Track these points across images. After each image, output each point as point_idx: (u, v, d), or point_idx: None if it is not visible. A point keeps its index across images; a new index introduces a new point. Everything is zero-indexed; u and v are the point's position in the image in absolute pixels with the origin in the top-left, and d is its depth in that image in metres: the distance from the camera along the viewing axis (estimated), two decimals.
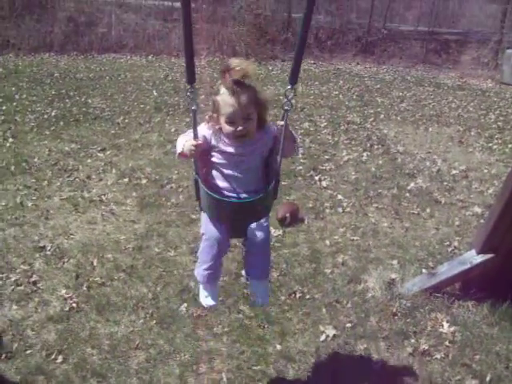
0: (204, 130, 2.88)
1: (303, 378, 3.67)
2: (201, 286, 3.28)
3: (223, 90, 2.76)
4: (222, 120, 2.79)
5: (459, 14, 20.78)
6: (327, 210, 6.16)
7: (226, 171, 2.91)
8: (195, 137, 2.76)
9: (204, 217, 3.05)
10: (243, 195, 2.92)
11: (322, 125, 9.65)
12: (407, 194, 6.77)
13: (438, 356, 3.92)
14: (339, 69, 15.81)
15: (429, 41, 17.96)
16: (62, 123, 9.01)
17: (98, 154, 7.66)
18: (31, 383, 3.48)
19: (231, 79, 2.70)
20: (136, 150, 7.93)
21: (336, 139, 8.83)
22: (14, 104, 10.02)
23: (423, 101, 12.29)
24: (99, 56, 15.95)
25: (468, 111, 11.56)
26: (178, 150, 2.84)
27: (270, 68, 15.33)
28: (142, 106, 10.45)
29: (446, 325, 4.20)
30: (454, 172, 7.67)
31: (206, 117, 2.89)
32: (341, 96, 12.19)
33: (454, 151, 8.70)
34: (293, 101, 2.74)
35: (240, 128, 2.77)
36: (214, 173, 2.94)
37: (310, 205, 6.28)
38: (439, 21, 18.68)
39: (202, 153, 2.86)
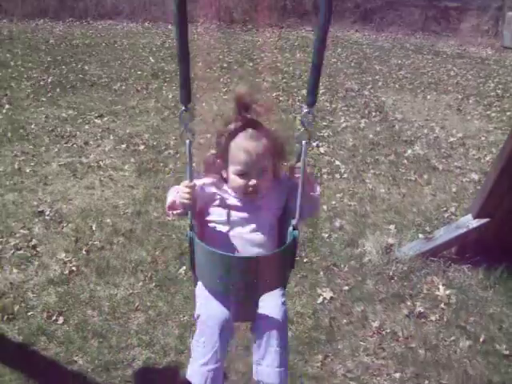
0: (203, 179, 2.37)
1: (301, 338, 3.72)
2: None
3: (238, 132, 2.27)
4: (231, 170, 2.29)
5: None
6: (325, 176, 6.18)
7: (231, 231, 2.35)
8: (191, 177, 2.16)
9: (200, 292, 2.36)
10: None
11: (320, 92, 9.60)
12: (405, 161, 6.78)
13: (433, 318, 3.98)
14: (337, 36, 15.64)
15: (428, 8, 17.74)
16: (58, 90, 8.96)
17: (96, 121, 7.64)
18: (33, 343, 3.53)
19: (251, 120, 2.27)
20: (133, 116, 7.91)
21: (334, 106, 8.81)
22: (10, 70, 9.94)
23: (422, 69, 12.21)
24: (95, 22, 15.75)
25: (467, 79, 11.50)
26: (169, 200, 2.28)
27: (268, 35, 15.18)
28: (139, 72, 10.38)
29: (441, 288, 4.25)
30: (451, 139, 7.67)
31: (207, 159, 2.40)
32: (339, 63, 12.10)
33: (452, 119, 8.69)
34: (312, 128, 2.11)
35: (253, 182, 2.26)
36: (215, 233, 2.36)
37: (308, 170, 6.28)
38: None
39: (200, 210, 2.36)
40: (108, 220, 5.01)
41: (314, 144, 1.62)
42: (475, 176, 6.43)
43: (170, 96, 8.84)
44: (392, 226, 5.15)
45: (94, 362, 3.42)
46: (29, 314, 3.79)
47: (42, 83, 9.31)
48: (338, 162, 6.55)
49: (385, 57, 13.21)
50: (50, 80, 9.48)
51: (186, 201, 2.16)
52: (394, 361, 3.60)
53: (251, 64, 11.55)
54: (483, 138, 7.81)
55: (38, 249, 4.54)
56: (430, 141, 7.56)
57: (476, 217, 4.47)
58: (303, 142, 2.09)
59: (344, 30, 16.70)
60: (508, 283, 4.37)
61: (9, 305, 3.84)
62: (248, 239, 2.33)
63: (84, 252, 4.51)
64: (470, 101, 9.77)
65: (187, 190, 2.15)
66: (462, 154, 7.16)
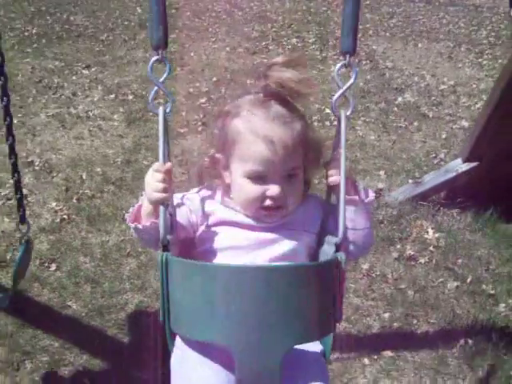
0: (193, 196, 1.62)
1: None
2: None
3: (252, 107, 1.52)
4: (239, 171, 1.52)
5: None
6: (315, 124, 6.15)
7: (236, 261, 1.52)
8: (164, 158, 1.47)
9: (179, 359, 1.56)
10: None
11: (310, 40, 9.51)
12: (395, 109, 6.77)
13: (423, 261, 4.03)
14: None
15: None
16: (44, 41, 8.81)
17: (83, 71, 7.55)
18: (26, 290, 3.56)
19: (277, 94, 1.51)
20: (121, 66, 7.81)
21: (324, 55, 8.73)
22: None
23: (413, 17, 12.05)
24: None
25: (459, 27, 11.36)
26: (133, 207, 1.56)
27: None
28: (126, 23, 10.21)
29: (430, 231, 4.30)
30: (442, 87, 7.63)
31: (202, 164, 1.67)
32: (329, 12, 11.90)
33: (443, 67, 8.62)
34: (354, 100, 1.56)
35: (275, 191, 1.48)
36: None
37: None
38: None
39: (183, 241, 1.57)
40: (98, 169, 5.00)
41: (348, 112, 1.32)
42: (465, 123, 6.42)
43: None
44: (382, 172, 5.17)
45: (87, 306, 3.46)
46: None
47: (26, 34, 9.15)
48: (327, 110, 6.51)
49: (376, 4, 13.00)
50: (34, 31, 9.32)
51: (158, 194, 1.40)
52: (383, 302, 3.66)
53: (240, 13, 11.36)
54: (474, 86, 7.76)
55: (28, 198, 4.53)
56: (420, 89, 7.52)
57: (465, 161, 4.48)
58: (342, 113, 1.49)
59: None
60: (496, 226, 4.42)
61: (1, 253, 3.87)
62: None
63: (75, 201, 4.51)
64: (462, 49, 9.67)
65: (160, 175, 1.42)
66: (453, 102, 7.14)
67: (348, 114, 1.48)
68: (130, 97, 6.67)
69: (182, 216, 1.54)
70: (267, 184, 1.48)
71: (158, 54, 1.46)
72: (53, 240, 4.03)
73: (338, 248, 1.46)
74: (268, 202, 1.49)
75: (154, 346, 2.81)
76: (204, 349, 1.46)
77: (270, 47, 9.01)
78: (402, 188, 4.75)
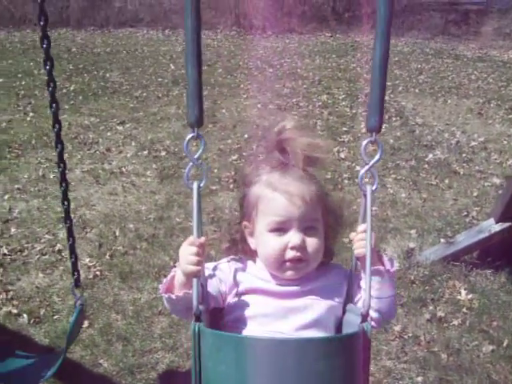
0: (222, 267, 1.67)
1: None
2: None
3: (268, 172, 1.61)
4: (263, 227, 1.57)
5: None
6: (346, 181, 6.20)
7: (263, 329, 1.55)
8: (198, 232, 1.48)
9: None
10: None
11: (340, 97, 9.64)
12: (425, 166, 6.77)
13: (456, 322, 3.96)
14: (357, 41, 15.65)
15: (448, 12, 17.68)
16: (80, 97, 9.10)
17: (118, 127, 7.75)
18: (59, 346, 3.59)
19: (300, 148, 1.57)
20: (155, 123, 8.01)
21: (354, 111, 8.83)
22: (33, 79, 10.11)
23: (442, 73, 12.17)
24: (116, 30, 15.98)
25: (488, 83, 11.42)
26: (166, 278, 1.62)
27: (287, 41, 15.25)
28: (159, 79, 10.50)
29: (463, 292, 4.24)
30: (472, 143, 7.63)
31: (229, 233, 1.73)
32: (358, 69, 12.10)
33: (473, 123, 8.64)
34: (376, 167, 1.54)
35: (297, 241, 1.53)
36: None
37: (329, 176, 6.31)
38: None
39: (212, 311, 1.60)
40: (131, 225, 5.08)
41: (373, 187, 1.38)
42: (497, 180, 6.39)
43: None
44: (413, 231, 5.14)
45: (118, 364, 3.47)
46: (54, 317, 3.86)
47: (64, 91, 9.44)
48: (358, 168, 6.56)
49: (405, 61, 13.19)
50: (72, 88, 9.64)
51: (192, 267, 1.44)
52: (416, 365, 3.60)
53: (271, 70, 11.61)
54: (505, 142, 7.75)
55: (62, 254, 4.61)
56: (450, 145, 7.53)
57: (498, 221, 4.45)
58: (367, 188, 1.50)
59: (363, 35, 16.68)
60: None
61: (35, 309, 3.92)
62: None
63: (108, 257, 4.57)
64: (492, 105, 9.70)
65: (193, 249, 1.45)
66: (484, 158, 7.13)
67: (373, 188, 1.51)
68: (163, 153, 6.81)
69: (212, 286, 1.59)
70: (288, 235, 1.53)
71: (193, 132, 1.49)
72: (85, 296, 4.06)
73: (363, 318, 1.47)
74: (290, 254, 1.53)
75: None
76: None
77: (301, 104, 9.15)
78: (434, 248, 4.71)
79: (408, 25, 17.40)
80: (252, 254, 1.66)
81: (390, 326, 3.89)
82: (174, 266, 1.57)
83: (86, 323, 3.78)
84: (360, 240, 1.53)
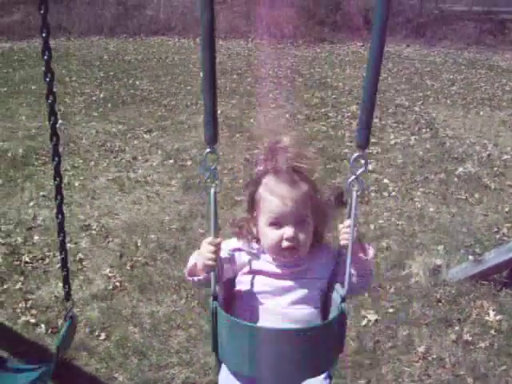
0: (232, 243, 2.03)
1: (344, 362, 3.63)
2: None
3: (269, 176, 1.93)
4: (263, 222, 1.93)
5: None
6: (373, 194, 6.08)
7: (264, 302, 1.95)
8: (215, 233, 1.80)
9: (224, 379, 2.04)
10: None
11: None
12: (455, 179, 6.61)
13: (483, 345, 3.81)
14: (388, 51, 15.47)
15: (483, 21, 17.39)
16: (109, 105, 9.16)
17: (144, 136, 7.76)
18: (75, 358, 3.55)
19: (287, 157, 1.89)
20: (182, 131, 7.99)
21: (384, 122, 8.69)
22: (64, 86, 10.21)
23: (475, 84, 11.95)
24: (147, 38, 16.11)
25: None
26: (191, 262, 1.94)
27: (318, 50, 15.19)
28: (188, 87, 10.52)
29: (491, 313, 4.08)
30: (505, 157, 7.44)
31: (236, 220, 2.07)
32: (389, 79, 11.97)
33: (506, 136, 8.43)
34: (365, 181, 1.79)
35: (289, 233, 1.87)
36: (244, 307, 1.98)
37: (355, 188, 6.20)
38: (495, 0, 17.98)
39: (226, 282, 2.02)
40: (153, 235, 5.04)
41: (358, 192, 1.58)
42: None
43: (219, 111, 8.89)
44: (440, 247, 5.00)
45: (133, 379, 3.41)
46: None
47: (94, 98, 9.54)
48: (386, 180, 6.44)
49: (436, 72, 13.00)
50: (101, 95, 9.71)
51: (209, 262, 1.79)
52: None
53: (301, 79, 11.55)
54: None
55: (83, 263, 4.60)
56: (482, 159, 7.35)
57: None
58: (353, 192, 1.73)
59: (395, 44, 16.53)
60: None
61: (53, 318, 3.90)
62: (285, 313, 1.92)
63: (128, 267, 4.54)
64: None
65: (211, 248, 1.78)
66: None
67: (358, 193, 1.74)
68: (189, 162, 6.77)
69: (227, 262, 1.98)
70: (283, 229, 1.89)
71: (210, 148, 1.67)
72: (104, 308, 4.04)
73: (342, 299, 1.82)
74: (285, 243, 1.89)
75: None
76: (237, 376, 1.99)
77: (330, 114, 9.06)
78: (462, 265, 4.56)
79: (441, 34, 17.18)
80: (255, 240, 2.02)
81: (413, 346, 3.77)
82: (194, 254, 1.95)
83: (102, 335, 3.75)
84: (344, 233, 1.81)
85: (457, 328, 3.96)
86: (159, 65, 12.64)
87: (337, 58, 14.08)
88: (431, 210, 5.79)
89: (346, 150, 7.29)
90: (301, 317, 1.93)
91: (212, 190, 1.74)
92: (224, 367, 2.04)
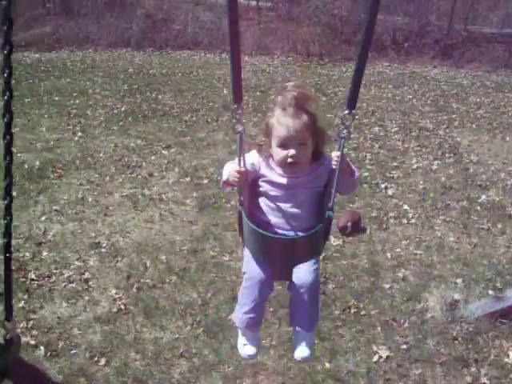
0: (253, 156, 2.60)
1: None
2: (239, 332, 2.81)
3: (278, 110, 2.48)
4: (274, 143, 2.50)
5: None
6: (391, 221, 5.90)
7: (275, 204, 2.59)
8: (240, 163, 2.42)
9: (247, 254, 2.68)
10: (293, 232, 2.57)
11: (393, 130, 9.32)
12: (478, 207, 6.40)
13: None
14: (415, 72, 15.29)
15: None
16: (130, 119, 9.10)
17: (163, 152, 7.67)
18: None
19: (291, 96, 2.46)
20: (201, 148, 7.89)
21: (406, 146, 8.49)
22: (87, 98, 10.22)
23: (502, 108, 11.68)
24: (174, 52, 16.10)
25: None
26: (224, 177, 2.54)
27: (344, 69, 15.03)
28: (211, 104, 10.43)
29: (511, 354, 3.89)
30: None
31: (257, 141, 2.61)
32: (414, 100, 11.77)
33: None
34: (351, 129, 2.34)
35: (292, 152, 2.45)
36: (263, 206, 2.63)
37: (374, 214, 6.04)
38: None
39: (250, 183, 2.58)
40: (163, 257, 4.94)
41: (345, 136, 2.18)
42: None
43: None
44: (459, 280, 4.81)
45: None
46: (72, 352, 3.73)
47: (115, 111, 9.50)
48: (406, 206, 6.26)
49: (463, 94, 12.76)
50: (123, 109, 9.67)
51: (236, 181, 2.41)
52: None
53: (324, 98, 11.41)
54: None
55: (90, 283, 4.52)
56: (506, 186, 7.13)
57: None
58: (342, 136, 2.31)
59: (422, 65, 16.32)
60: None
61: (54, 340, 3.80)
62: (289, 213, 2.56)
63: (135, 289, 4.44)
64: None
65: (237, 175, 2.39)
66: None
67: (345, 137, 2.31)
68: (205, 181, 6.67)
69: (250, 166, 2.50)
70: (288, 150, 2.43)
71: (237, 105, 2.30)
72: (106, 331, 3.94)
73: (330, 208, 2.46)
74: (290, 160, 2.44)
75: None
76: (255, 257, 2.57)
77: (352, 135, 8.86)
78: (481, 301, 4.37)
79: (469, 56, 16.91)
80: (269, 155, 2.54)
81: None
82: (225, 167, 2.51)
83: (102, 361, 3.64)
84: (335, 160, 2.39)
85: (473, 369, 3.78)
86: (183, 79, 12.59)
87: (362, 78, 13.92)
88: (451, 239, 5.60)
89: (366, 174, 7.13)
90: (302, 216, 2.55)
91: (238, 133, 2.33)
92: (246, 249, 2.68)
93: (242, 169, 2.39)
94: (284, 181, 2.54)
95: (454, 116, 10.58)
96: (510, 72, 16.32)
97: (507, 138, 9.36)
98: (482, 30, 18.05)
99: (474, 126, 10.02)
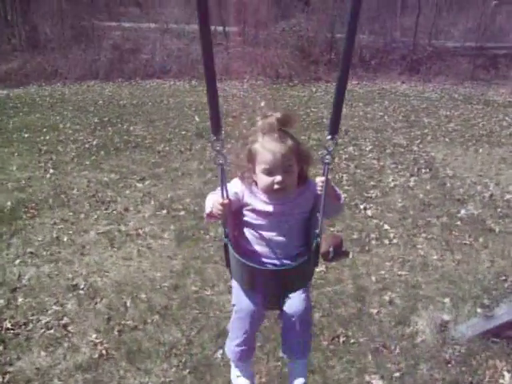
0: (235, 184, 2.58)
1: None
2: (232, 364, 2.83)
3: (261, 136, 2.47)
4: (259, 170, 2.48)
5: (507, 28, 20.09)
6: (373, 242, 5.84)
7: (262, 233, 2.57)
8: (223, 195, 2.40)
9: (235, 285, 2.66)
10: (281, 261, 2.56)
11: (367, 148, 9.32)
12: (458, 223, 6.38)
13: None
14: (384, 88, 15.44)
15: (476, 56, 17.40)
16: (102, 152, 8.96)
17: (137, 185, 7.53)
18: None
19: (274, 122, 2.44)
20: (175, 179, 7.77)
21: (382, 164, 8.49)
22: (57, 133, 10.06)
23: (472, 120, 11.81)
24: (143, 82, 16.03)
25: None
26: (207, 210, 2.53)
27: (314, 90, 15.09)
28: (183, 132, 10.34)
29: (507, 375, 3.81)
30: (508, 197, 7.23)
31: (239, 171, 2.58)
32: (386, 117, 11.83)
33: (508, 174, 8.23)
34: (334, 153, 2.37)
35: (279, 179, 2.43)
36: (249, 236, 2.61)
37: (355, 236, 5.97)
38: (487, 36, 18.03)
39: (234, 213, 2.55)
40: (143, 295, 4.78)
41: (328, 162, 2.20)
42: None
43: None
44: (447, 299, 4.74)
45: None
46: None
47: (87, 146, 9.35)
48: (386, 226, 6.20)
49: (433, 108, 12.88)
50: (95, 142, 9.52)
51: (220, 215, 2.42)
52: None
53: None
54: None
55: (68, 328, 4.33)
56: (484, 199, 7.14)
57: None
58: (326, 161, 2.37)
59: (390, 81, 16.49)
60: None
61: None
62: (274, 242, 2.57)
63: (116, 332, 4.27)
64: None
65: (220, 207, 2.40)
66: None
67: (328, 163, 2.37)
68: (182, 212, 6.54)
69: (234, 197, 2.52)
70: (274, 176, 2.44)
71: (214, 137, 2.25)
72: (89, 380, 3.76)
73: (316, 236, 2.49)
74: (276, 186, 2.45)
75: None
76: (243, 289, 2.60)
77: (327, 156, 8.83)
78: (471, 321, 4.30)
79: (435, 70, 17.16)
80: (253, 182, 2.56)
81: None
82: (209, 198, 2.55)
83: None
84: (320, 186, 2.42)
85: None
86: (154, 108, 12.50)
87: (332, 97, 13.97)
88: (435, 257, 5.55)
89: (345, 195, 7.07)
90: (290, 243, 2.58)
91: (220, 161, 2.30)
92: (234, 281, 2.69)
93: (226, 200, 2.40)
94: (270, 208, 2.54)
95: (426, 131, 10.65)
96: (476, 84, 16.59)
97: (480, 150, 9.43)
98: (445, 44, 18.38)
99: (446, 139, 10.09)
